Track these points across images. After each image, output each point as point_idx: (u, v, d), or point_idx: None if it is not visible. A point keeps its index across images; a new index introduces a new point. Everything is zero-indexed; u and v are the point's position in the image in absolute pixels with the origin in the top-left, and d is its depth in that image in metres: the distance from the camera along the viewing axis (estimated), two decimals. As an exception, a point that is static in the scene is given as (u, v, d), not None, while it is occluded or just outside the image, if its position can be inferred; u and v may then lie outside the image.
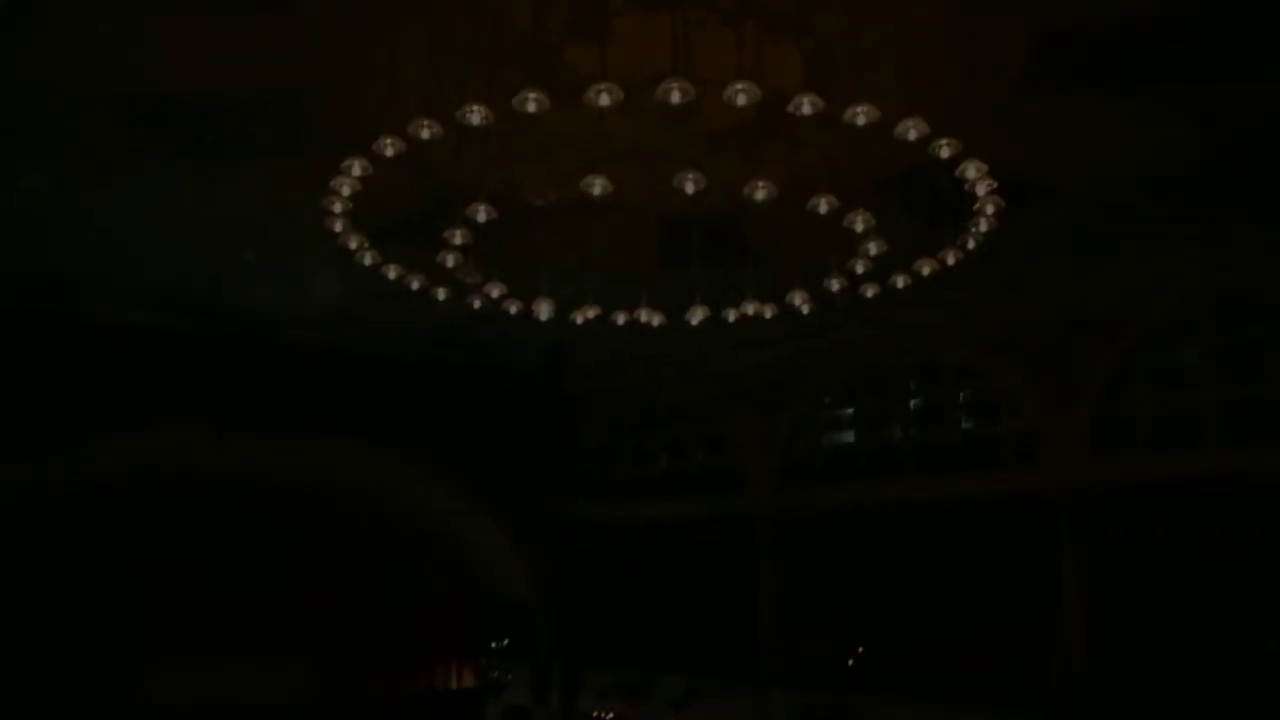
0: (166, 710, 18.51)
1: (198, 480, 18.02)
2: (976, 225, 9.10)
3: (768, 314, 10.66)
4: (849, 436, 17.72)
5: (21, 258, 13.50)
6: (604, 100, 6.66)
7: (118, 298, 15.31)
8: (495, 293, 10.02)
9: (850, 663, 18.02)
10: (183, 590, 18.47)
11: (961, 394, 16.15)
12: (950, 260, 9.58)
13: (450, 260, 9.24)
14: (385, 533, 20.43)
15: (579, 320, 10.36)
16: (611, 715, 19.52)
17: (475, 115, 6.98)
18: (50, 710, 17.44)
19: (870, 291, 10.34)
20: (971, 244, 9.42)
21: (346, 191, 8.32)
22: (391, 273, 10.06)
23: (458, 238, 8.88)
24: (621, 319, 10.85)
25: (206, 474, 17.95)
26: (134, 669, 17.97)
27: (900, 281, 10.09)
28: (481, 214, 8.28)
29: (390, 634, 20.60)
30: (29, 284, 14.59)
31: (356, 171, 8.03)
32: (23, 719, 17.35)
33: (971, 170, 8.10)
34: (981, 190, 8.38)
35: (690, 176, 7.76)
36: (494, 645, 20.73)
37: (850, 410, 17.71)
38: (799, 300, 10.24)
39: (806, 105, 6.99)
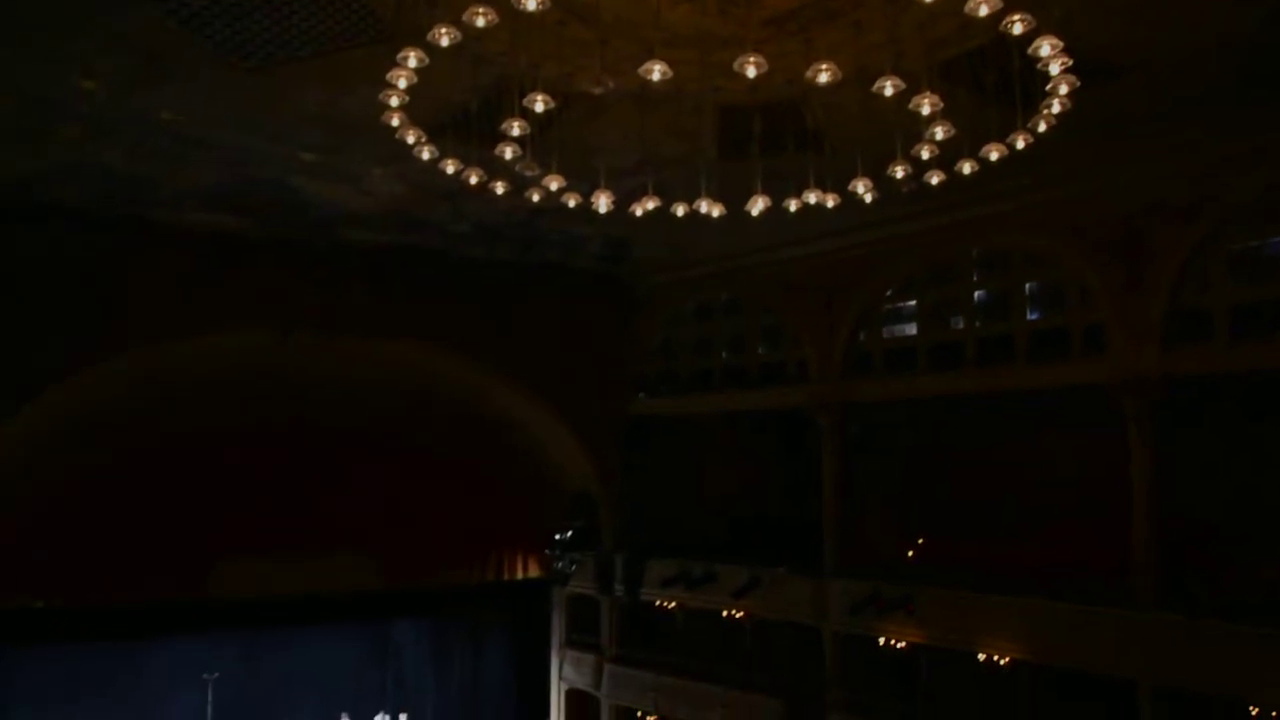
0: (237, 601, 19.42)
1: (265, 379, 18.44)
2: (1048, 107, 8.72)
3: (830, 203, 10.38)
4: (911, 329, 17.51)
5: (89, 165, 13.73)
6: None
7: (181, 201, 15.52)
8: (554, 185, 9.87)
9: (910, 554, 18.21)
10: (253, 487, 19.15)
11: (1028, 284, 15.81)
12: (1020, 144, 9.21)
13: (509, 153, 9.13)
14: (451, 427, 20.84)
15: (638, 213, 10.19)
16: (674, 604, 20.01)
17: (531, 0, 6.81)
18: (135, 600, 18.43)
19: (936, 178, 10.02)
20: (1043, 127, 9.04)
21: (403, 85, 8.21)
22: (450, 168, 9.97)
23: (515, 130, 8.75)
24: (681, 211, 10.67)
25: (274, 373, 18.35)
26: (206, 563, 18.80)
27: (968, 167, 9.76)
28: (539, 105, 8.13)
29: (456, 526, 21.22)
30: (98, 188, 14.84)
31: (412, 64, 7.91)
32: (115, 609, 18.39)
33: (1045, 48, 7.69)
34: (1054, 69, 7.99)
35: (751, 60, 7.51)
36: (558, 537, 21.24)
37: (912, 303, 17.47)
38: (862, 189, 9.96)
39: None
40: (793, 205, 10.49)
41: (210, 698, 25.11)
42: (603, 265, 19.88)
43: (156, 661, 25.18)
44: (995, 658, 15.13)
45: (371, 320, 18.27)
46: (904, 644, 16.48)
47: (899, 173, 9.72)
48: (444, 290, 19.13)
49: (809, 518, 18.31)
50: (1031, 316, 15.74)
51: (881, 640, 16.66)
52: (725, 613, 19.05)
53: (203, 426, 18.56)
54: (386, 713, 26.54)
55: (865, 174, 9.86)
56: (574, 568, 21.24)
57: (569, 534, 21.22)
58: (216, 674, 25.26)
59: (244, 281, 17.34)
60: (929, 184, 9.99)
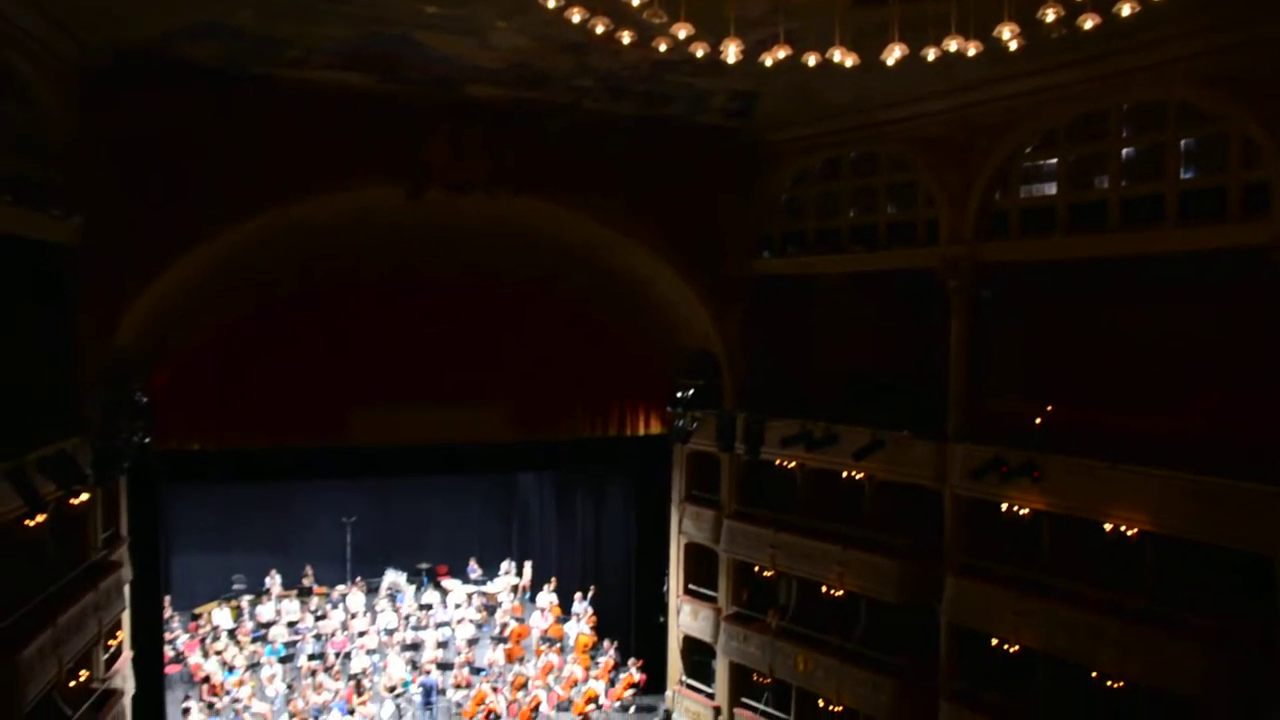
0: (373, 449, 20.37)
1: (398, 234, 18.84)
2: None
3: (971, 51, 9.74)
4: (1050, 189, 16.65)
5: (223, 24, 13.93)
6: None
7: (309, 59, 15.69)
8: (682, 34, 9.53)
9: (1038, 421, 17.81)
10: (388, 339, 19.83)
11: (1184, 141, 14.77)
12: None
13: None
14: (578, 283, 21.05)
15: (768, 63, 9.79)
16: (794, 464, 20.17)
17: None
18: (280, 446, 19.51)
19: (1090, 22, 9.29)
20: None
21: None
22: (575, 17, 9.74)
23: (641, -25, 8.44)
24: (813, 61, 10.20)
25: (406, 228, 18.72)
26: (345, 412, 19.68)
27: (1126, 9, 9.02)
28: (666, -52, 7.81)
29: (582, 381, 21.65)
30: (231, 48, 15.10)
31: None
32: (261, 453, 19.54)
33: None
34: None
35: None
36: (680, 395, 21.46)
37: (1053, 161, 16.57)
38: (1008, 35, 9.32)
39: None
40: (931, 54, 9.89)
41: (348, 539, 26.84)
42: (729, 121, 19.38)
43: (299, 503, 27.00)
44: (1122, 528, 14.87)
45: (497, 177, 18.37)
46: (1026, 511, 16.31)
47: (1049, 16, 9.04)
48: (569, 147, 19.05)
49: (933, 382, 18.03)
50: (1185, 175, 14.74)
51: (1004, 506, 16.52)
52: (845, 473, 19.13)
53: (338, 280, 19.22)
54: (512, 561, 27.92)
55: (1012, 19, 9.22)
56: (695, 425, 21.51)
57: (690, 392, 21.40)
58: (354, 517, 26.96)
59: (372, 140, 17.61)
60: (1081, 29, 9.27)
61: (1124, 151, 15.55)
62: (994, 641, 16.47)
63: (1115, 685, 14.85)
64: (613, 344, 21.82)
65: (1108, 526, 15.03)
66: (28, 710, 12.60)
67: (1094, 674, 15.06)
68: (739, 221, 20.96)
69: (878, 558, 18.21)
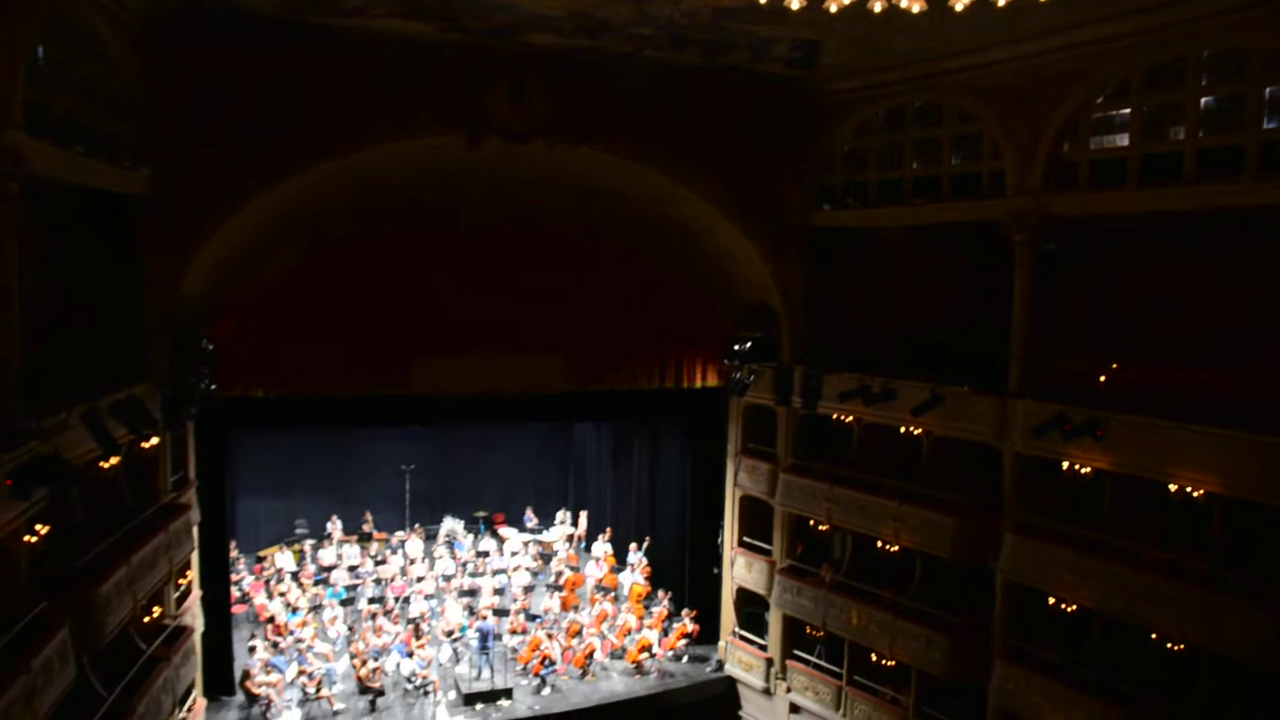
0: (433, 398, 20.61)
1: (457, 184, 18.90)
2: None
3: (1044, -4, 9.52)
4: (1122, 139, 16.15)
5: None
6: None
7: (369, 7, 15.68)
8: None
9: (1102, 379, 17.48)
10: (448, 289, 19.97)
11: (1268, 89, 14.19)
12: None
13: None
14: (636, 234, 20.97)
15: (832, 9, 9.62)
16: (851, 418, 20.04)
17: None
18: (343, 393, 19.83)
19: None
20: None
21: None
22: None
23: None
24: (878, 7, 10.00)
25: (465, 178, 18.77)
26: (405, 361, 19.91)
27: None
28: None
29: (639, 333, 21.66)
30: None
31: None
32: (325, 401, 19.88)
33: None
34: None
35: None
36: (737, 347, 21.37)
37: (1125, 111, 16.05)
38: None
39: None
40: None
41: (407, 486, 27.31)
42: (790, 70, 19.05)
43: (359, 451, 27.52)
44: (1188, 489, 14.58)
45: (557, 126, 18.31)
46: (1088, 469, 16.08)
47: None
48: (629, 96, 18.91)
49: (994, 337, 17.76)
50: (1268, 125, 14.18)
51: (1065, 464, 16.28)
52: (903, 429, 18.98)
53: (398, 229, 19.36)
54: (567, 510, 28.21)
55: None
56: (752, 378, 21.44)
57: (748, 345, 21.31)
58: (413, 465, 27.40)
59: (432, 89, 17.65)
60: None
61: (1202, 101, 15.01)
62: (1050, 600, 16.35)
63: (1175, 648, 14.67)
64: (670, 296, 21.76)
65: (1173, 487, 14.75)
66: (107, 642, 13.11)
67: (1153, 635, 14.90)
68: (799, 173, 20.71)
69: (934, 514, 18.10)
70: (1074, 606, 16.01)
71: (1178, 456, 14.56)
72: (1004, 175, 17.43)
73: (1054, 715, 15.86)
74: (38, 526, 11.47)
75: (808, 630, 21.18)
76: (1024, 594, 16.87)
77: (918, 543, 18.50)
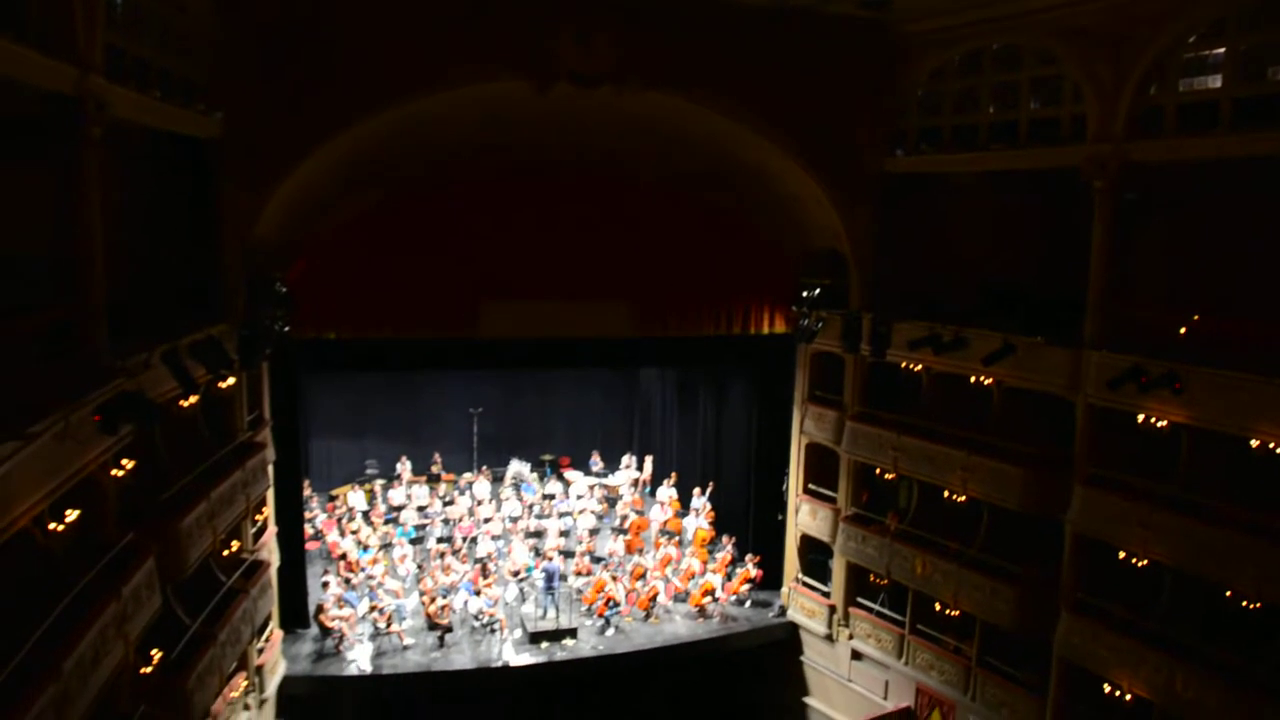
0: (501, 342, 20.80)
1: (526, 128, 18.86)
2: None
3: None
4: (1214, 81, 15.50)
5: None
6: None
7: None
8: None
9: (1182, 331, 16.98)
10: (516, 234, 20.04)
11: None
12: None
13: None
14: (705, 179, 20.79)
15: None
16: (919, 367, 19.80)
17: None
18: (412, 337, 20.12)
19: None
20: None
21: None
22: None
23: None
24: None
25: (534, 122, 18.71)
26: (474, 305, 20.08)
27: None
28: None
29: (706, 278, 21.56)
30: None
31: None
32: (394, 344, 20.20)
33: None
34: None
35: None
36: (805, 294, 21.17)
37: (1220, 50, 15.38)
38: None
39: None
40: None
41: (475, 429, 27.71)
42: (864, 11, 18.57)
43: (428, 393, 27.96)
44: (1271, 446, 14.17)
45: (625, 70, 18.08)
46: (1164, 423, 15.69)
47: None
48: (698, 39, 18.61)
49: (1069, 285, 17.34)
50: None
51: (1140, 417, 15.91)
52: (973, 378, 18.70)
53: (466, 174, 19.45)
54: (633, 455, 28.41)
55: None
56: (820, 325, 21.27)
57: (816, 291, 21.09)
58: (481, 408, 27.77)
59: (501, 32, 17.54)
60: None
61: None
62: (1120, 555, 16.10)
63: (1252, 606, 14.37)
64: (738, 242, 21.60)
65: (1254, 443, 14.34)
66: (189, 574, 13.61)
67: (1228, 593, 14.61)
68: (871, 118, 20.26)
69: (1003, 464, 17.88)
70: (1145, 561, 15.74)
71: (1260, 412, 14.13)
72: (1085, 120, 16.87)
73: (1122, 670, 15.71)
74: (124, 461, 11.89)
75: (871, 578, 21.18)
76: (1093, 547, 16.65)
77: (985, 493, 18.32)
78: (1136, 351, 15.82)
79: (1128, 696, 15.68)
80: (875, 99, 20.18)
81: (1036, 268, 19.16)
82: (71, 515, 10.42)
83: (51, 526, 10.14)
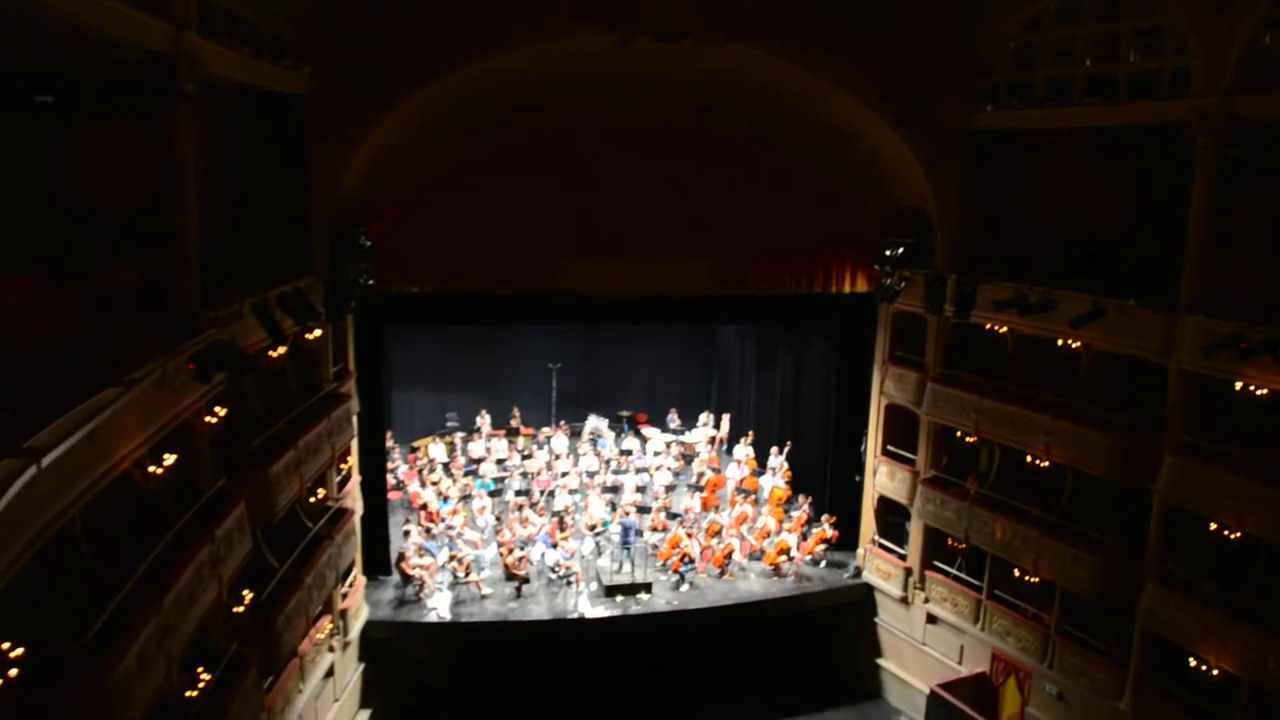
0: (580, 298, 20.87)
1: (607, 83, 18.74)
2: None
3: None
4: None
5: None
6: None
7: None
8: None
9: (1288, 295, 16.29)
10: (596, 189, 20.01)
11: None
12: None
13: None
14: (787, 134, 20.49)
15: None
16: (1004, 329, 19.36)
17: None
18: (493, 291, 20.29)
19: None
20: None
21: None
22: None
23: None
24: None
25: (615, 77, 18.59)
26: (553, 260, 20.17)
27: None
28: None
29: (787, 235, 21.32)
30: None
31: None
32: (476, 298, 20.38)
33: None
34: None
35: None
36: (889, 253, 20.79)
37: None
38: None
39: None
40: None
41: (553, 384, 27.96)
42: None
43: (508, 348, 28.28)
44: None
45: (707, 24, 17.80)
46: (1264, 391, 15.11)
47: None
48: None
49: (1163, 248, 16.74)
50: None
51: (1238, 385, 15.35)
52: (1060, 341, 18.22)
53: (546, 129, 19.44)
54: (710, 413, 28.41)
55: None
56: (903, 285, 20.89)
57: (900, 251, 20.68)
58: (559, 364, 27.98)
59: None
60: None
61: None
62: (1212, 526, 15.63)
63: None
64: (820, 200, 21.25)
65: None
66: (277, 519, 14.05)
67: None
68: (960, 73, 19.63)
69: (1089, 430, 17.43)
70: (1238, 533, 15.27)
71: (1368, 380, 13.56)
72: (1190, 73, 16.13)
73: (1209, 643, 15.31)
74: (217, 409, 12.27)
75: (949, 542, 20.94)
76: (1181, 517, 16.19)
77: (1069, 459, 17.92)
78: (1236, 316, 15.21)
79: (1214, 671, 15.30)
80: (965, 53, 19.55)
81: (1128, 228, 18.53)
82: (169, 460, 10.82)
83: (151, 470, 10.55)
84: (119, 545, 9.85)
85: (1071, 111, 18.26)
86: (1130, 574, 16.84)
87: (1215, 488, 15.43)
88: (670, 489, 24.62)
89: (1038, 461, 18.60)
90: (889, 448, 22.36)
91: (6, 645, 7.56)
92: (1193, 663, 15.64)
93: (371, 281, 18.13)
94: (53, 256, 11.10)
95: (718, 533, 22.32)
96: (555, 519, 21.97)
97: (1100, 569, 17.16)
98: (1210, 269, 16.15)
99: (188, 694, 10.75)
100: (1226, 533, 15.41)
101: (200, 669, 11.23)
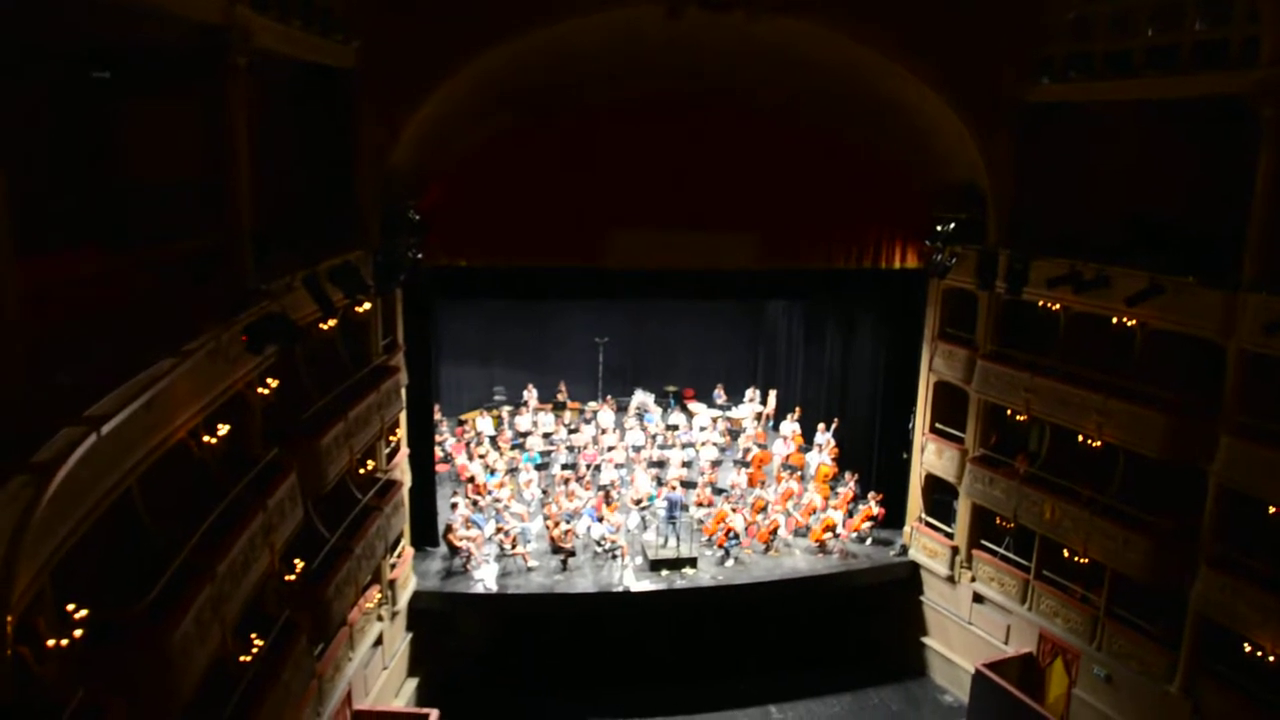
0: (627, 272, 20.85)
1: (656, 55, 18.63)
2: None
3: None
4: None
5: None
6: None
7: None
8: None
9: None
10: (645, 161, 19.92)
11: None
12: None
13: None
14: (839, 108, 20.22)
15: None
16: (1057, 306, 19.03)
17: None
18: (541, 265, 20.33)
19: None
20: None
21: None
22: None
23: None
24: None
25: (664, 49, 18.46)
26: (601, 234, 20.14)
27: None
28: None
29: (837, 210, 21.11)
30: None
31: None
32: (523, 272, 20.43)
33: None
34: None
35: None
36: (940, 229, 20.51)
37: None
38: None
39: None
40: None
41: (600, 358, 28.02)
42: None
43: (555, 322, 28.37)
44: None
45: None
46: (1327, 372, 14.76)
47: None
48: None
49: (1223, 225, 16.30)
50: None
51: (1300, 365, 15.00)
52: (1115, 319, 17.88)
53: (595, 102, 19.36)
54: (756, 388, 28.31)
55: None
56: (954, 260, 20.59)
57: (951, 226, 20.39)
58: (606, 338, 28.03)
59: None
60: None
61: None
62: (1271, 510, 15.31)
63: None
64: (870, 174, 21.00)
65: None
66: (328, 490, 14.26)
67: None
68: (1016, 44, 19.20)
69: (1143, 410, 17.10)
70: (1298, 517, 14.97)
71: None
72: (1259, 42, 15.58)
73: (1265, 629, 15.02)
74: (269, 380, 12.46)
75: (997, 521, 20.74)
76: (1237, 500, 15.86)
77: (1122, 439, 17.60)
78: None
79: (1270, 658, 15.03)
80: (1022, 24, 19.13)
81: (1187, 204, 18.06)
82: (223, 430, 11.02)
83: (205, 440, 10.75)
84: (175, 513, 10.05)
85: (1131, 84, 17.75)
86: (1183, 557, 16.55)
87: (1274, 470, 15.07)
88: (716, 464, 24.60)
89: (1089, 441, 18.32)
90: (937, 425, 22.15)
91: (71, 606, 7.77)
92: (1247, 648, 15.36)
93: (420, 255, 18.24)
94: (109, 230, 11.29)
95: (763, 508, 22.29)
96: (601, 493, 22.07)
97: (1152, 551, 16.88)
98: (1274, 246, 15.70)
99: (242, 659, 10.98)
100: (1285, 516, 15.11)
101: (254, 635, 11.46)
